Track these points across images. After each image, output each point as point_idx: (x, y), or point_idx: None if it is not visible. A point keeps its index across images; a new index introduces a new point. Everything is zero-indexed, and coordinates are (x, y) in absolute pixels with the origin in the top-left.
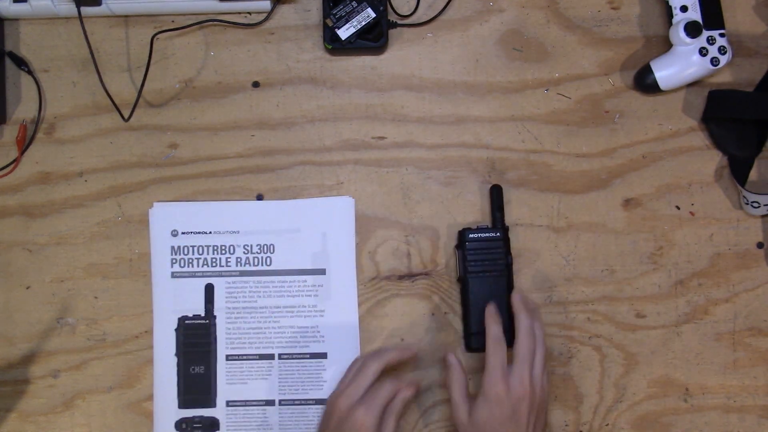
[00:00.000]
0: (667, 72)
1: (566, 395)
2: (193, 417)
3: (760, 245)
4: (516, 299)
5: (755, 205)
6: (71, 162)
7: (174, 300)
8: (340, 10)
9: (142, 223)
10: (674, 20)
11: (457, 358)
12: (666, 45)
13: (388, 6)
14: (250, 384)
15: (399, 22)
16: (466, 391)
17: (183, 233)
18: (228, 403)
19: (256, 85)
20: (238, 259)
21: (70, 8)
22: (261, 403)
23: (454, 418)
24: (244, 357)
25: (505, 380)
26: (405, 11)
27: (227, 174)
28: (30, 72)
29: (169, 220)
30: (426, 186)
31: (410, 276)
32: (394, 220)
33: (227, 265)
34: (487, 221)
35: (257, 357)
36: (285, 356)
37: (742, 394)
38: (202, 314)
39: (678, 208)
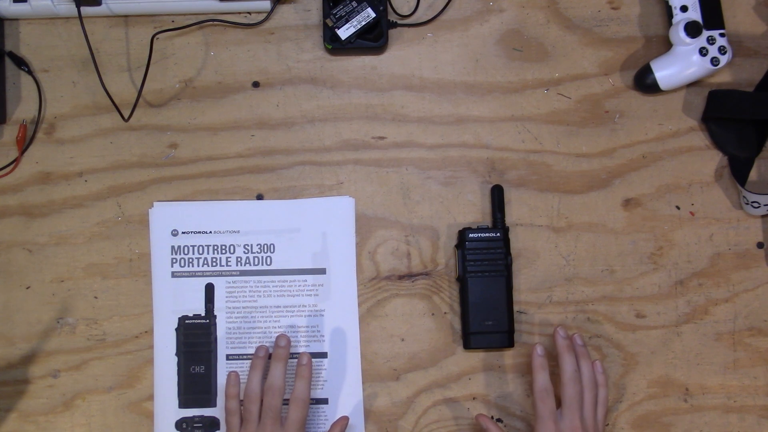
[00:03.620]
0: (667, 72)
1: None
2: (194, 417)
3: (760, 245)
4: (559, 338)
5: (755, 205)
6: (71, 162)
7: (174, 300)
8: (340, 10)
9: (142, 223)
10: (674, 20)
11: (488, 417)
12: (666, 45)
13: (388, 6)
14: None
15: (399, 22)
16: None
17: (183, 233)
18: None
19: (256, 85)
20: (239, 259)
21: (70, 8)
22: (261, 402)
23: None
24: (245, 357)
25: (557, 427)
26: (405, 11)
27: (227, 174)
28: (30, 72)
29: (169, 219)
30: (426, 186)
31: (410, 276)
32: (394, 220)
33: (227, 265)
34: (487, 221)
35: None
36: None
37: (742, 394)
38: (203, 314)
39: (678, 208)
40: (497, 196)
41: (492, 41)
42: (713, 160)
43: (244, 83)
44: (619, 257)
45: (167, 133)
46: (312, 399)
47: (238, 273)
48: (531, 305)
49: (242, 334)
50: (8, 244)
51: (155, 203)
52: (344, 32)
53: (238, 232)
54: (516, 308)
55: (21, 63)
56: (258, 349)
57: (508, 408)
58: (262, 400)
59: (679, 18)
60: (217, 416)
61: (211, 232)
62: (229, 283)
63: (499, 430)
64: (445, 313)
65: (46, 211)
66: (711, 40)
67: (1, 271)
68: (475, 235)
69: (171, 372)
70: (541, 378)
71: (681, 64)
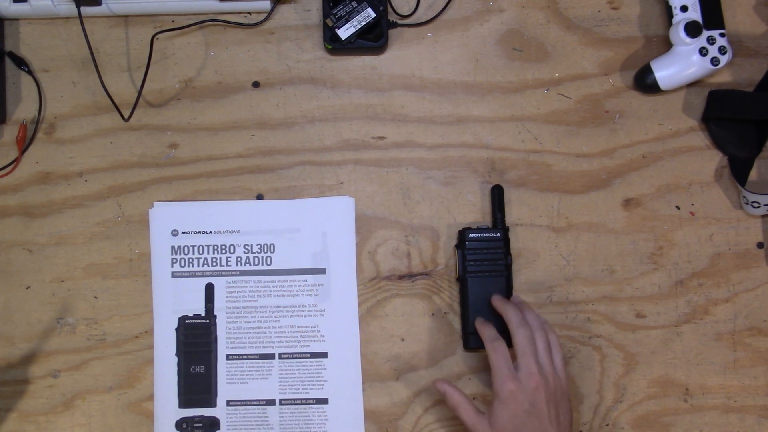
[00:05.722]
0: (667, 72)
1: None
2: (194, 417)
3: (760, 245)
4: (495, 300)
5: (755, 205)
6: (71, 162)
7: (174, 300)
8: (340, 10)
9: (142, 223)
10: (674, 20)
11: (446, 383)
12: (666, 45)
13: (388, 6)
14: (250, 384)
15: (399, 22)
16: (474, 408)
17: (183, 233)
18: (228, 403)
19: (256, 85)
20: (239, 259)
21: (70, 8)
22: (261, 402)
23: None
24: (245, 357)
25: (514, 376)
26: (405, 11)
27: (227, 174)
28: (30, 72)
29: (169, 219)
30: (426, 186)
31: (410, 276)
32: (394, 220)
33: (227, 265)
34: (487, 221)
35: (258, 356)
36: (285, 356)
37: (742, 394)
38: (203, 314)
39: (678, 208)
40: (497, 196)
41: (492, 41)
42: (713, 160)
43: (244, 83)
44: (619, 257)
45: (167, 133)
46: (312, 399)
47: (238, 273)
48: (531, 305)
49: (242, 334)
50: (8, 244)
51: (155, 203)
52: (344, 32)
53: (238, 232)
54: None
55: (21, 63)
56: None
57: None
58: None
59: (679, 18)
60: (217, 416)
61: (211, 232)
62: (229, 283)
63: (458, 391)
64: (445, 313)
65: (46, 211)
66: (711, 40)
67: (1, 271)
68: (475, 235)
69: (171, 372)
70: (488, 330)
71: (681, 64)
